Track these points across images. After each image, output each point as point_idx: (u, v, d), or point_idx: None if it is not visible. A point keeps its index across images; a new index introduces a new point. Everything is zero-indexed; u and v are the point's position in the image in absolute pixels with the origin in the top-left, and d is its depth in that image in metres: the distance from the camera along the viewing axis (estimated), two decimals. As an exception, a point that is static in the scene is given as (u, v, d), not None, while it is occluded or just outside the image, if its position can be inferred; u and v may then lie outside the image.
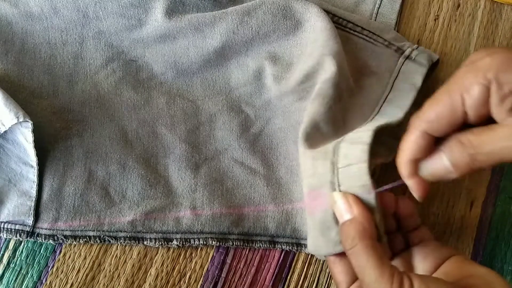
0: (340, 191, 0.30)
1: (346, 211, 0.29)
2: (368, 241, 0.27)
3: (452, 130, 0.26)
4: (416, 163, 0.28)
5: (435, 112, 0.26)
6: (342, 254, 0.30)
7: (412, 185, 0.28)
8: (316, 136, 0.34)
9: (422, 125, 0.27)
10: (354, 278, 0.30)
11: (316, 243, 0.31)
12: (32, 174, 0.36)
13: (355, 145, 0.30)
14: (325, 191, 0.30)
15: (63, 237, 0.36)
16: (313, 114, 0.34)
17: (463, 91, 0.25)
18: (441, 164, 0.26)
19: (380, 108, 0.37)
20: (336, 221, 0.30)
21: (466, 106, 0.25)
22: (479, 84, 0.25)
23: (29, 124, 0.33)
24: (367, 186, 0.29)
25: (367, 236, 0.27)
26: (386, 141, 0.37)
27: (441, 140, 0.27)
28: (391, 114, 0.36)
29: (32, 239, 0.36)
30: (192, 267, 0.37)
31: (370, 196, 0.29)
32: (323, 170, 0.31)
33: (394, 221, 0.33)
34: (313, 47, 0.37)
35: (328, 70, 0.35)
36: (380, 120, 0.35)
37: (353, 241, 0.27)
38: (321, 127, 0.35)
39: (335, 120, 0.35)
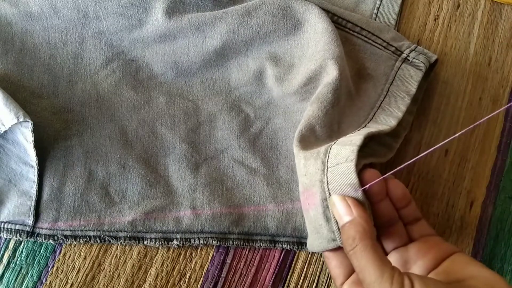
0: (328, 189, 0.30)
1: (346, 213, 0.29)
2: (368, 241, 0.27)
3: None
4: None
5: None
6: (337, 249, 0.31)
7: None
8: (310, 139, 0.35)
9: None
10: (350, 271, 0.31)
11: (312, 240, 0.32)
12: (32, 174, 0.36)
13: (346, 147, 0.31)
14: (315, 190, 0.31)
15: (63, 237, 0.36)
16: (310, 118, 0.35)
17: None
18: None
19: (374, 115, 0.37)
20: (327, 218, 0.30)
21: None
22: None
23: (29, 124, 0.33)
24: (355, 185, 0.29)
25: (367, 236, 0.27)
26: (386, 141, 0.37)
27: None
28: (383, 122, 0.36)
29: (32, 239, 0.36)
30: (192, 267, 0.37)
31: (357, 194, 0.29)
32: (314, 170, 0.31)
33: (395, 211, 0.33)
34: (315, 49, 0.37)
35: (331, 74, 0.35)
36: (373, 127, 0.35)
37: (354, 241, 0.27)
38: (316, 130, 0.35)
39: (331, 124, 0.35)
